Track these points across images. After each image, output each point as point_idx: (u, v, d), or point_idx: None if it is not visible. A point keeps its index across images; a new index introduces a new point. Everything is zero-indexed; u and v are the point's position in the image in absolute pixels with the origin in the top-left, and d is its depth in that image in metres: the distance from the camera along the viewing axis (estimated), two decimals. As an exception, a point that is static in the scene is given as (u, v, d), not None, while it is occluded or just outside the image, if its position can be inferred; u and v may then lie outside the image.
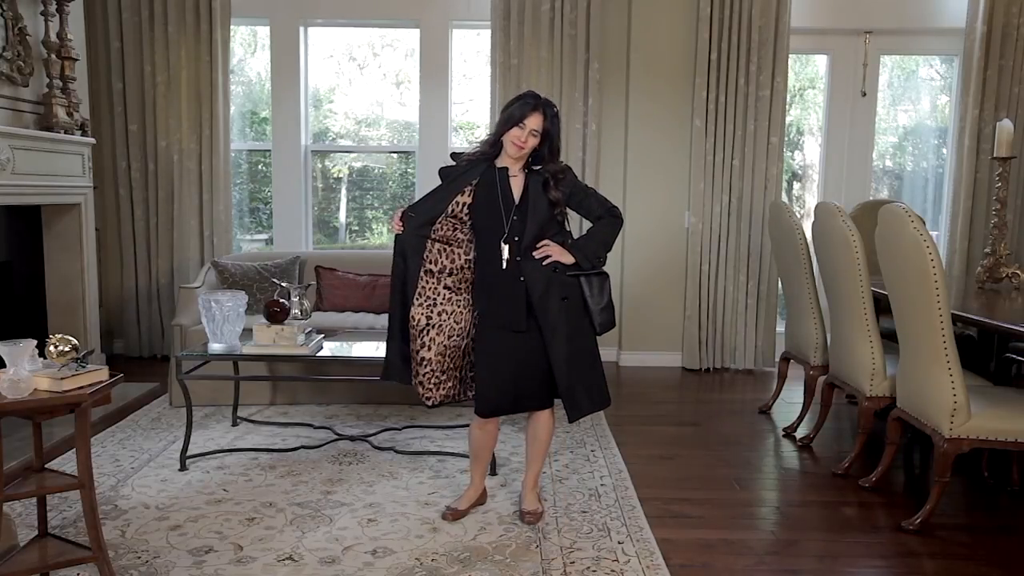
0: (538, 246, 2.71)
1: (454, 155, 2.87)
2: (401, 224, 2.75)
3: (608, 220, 2.82)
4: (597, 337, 2.83)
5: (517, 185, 2.74)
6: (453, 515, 2.90)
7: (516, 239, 2.70)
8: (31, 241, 4.44)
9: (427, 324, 2.75)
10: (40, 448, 2.31)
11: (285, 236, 5.74)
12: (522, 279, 2.70)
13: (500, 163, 2.75)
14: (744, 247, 5.43)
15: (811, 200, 6.03)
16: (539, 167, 2.73)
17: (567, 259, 2.72)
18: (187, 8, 5.22)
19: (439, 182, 2.83)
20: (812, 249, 3.98)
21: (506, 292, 2.72)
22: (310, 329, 3.61)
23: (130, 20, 5.26)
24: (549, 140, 2.68)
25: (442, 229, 2.76)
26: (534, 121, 2.64)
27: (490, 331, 2.78)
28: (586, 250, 2.76)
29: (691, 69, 5.33)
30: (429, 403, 2.81)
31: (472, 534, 2.78)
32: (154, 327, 5.52)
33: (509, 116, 2.67)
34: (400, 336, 2.80)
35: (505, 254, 2.70)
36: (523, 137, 2.65)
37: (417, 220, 2.73)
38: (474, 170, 2.75)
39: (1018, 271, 3.92)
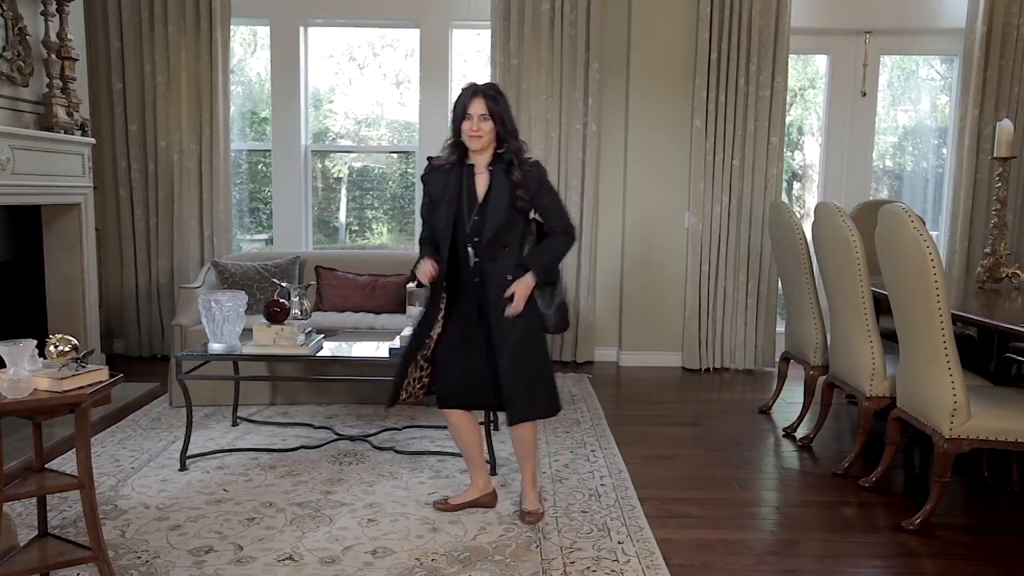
0: (506, 295, 2.71)
1: (431, 159, 2.87)
2: (433, 270, 2.77)
3: (562, 239, 2.82)
4: (551, 335, 2.88)
5: (483, 183, 2.75)
6: (443, 505, 2.93)
7: (476, 240, 2.73)
8: (31, 241, 4.44)
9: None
10: (40, 448, 2.31)
11: (285, 236, 5.74)
12: (478, 280, 2.75)
13: (470, 161, 2.77)
14: (744, 247, 5.43)
15: (811, 200, 6.03)
16: (502, 150, 2.74)
17: (527, 290, 2.73)
18: (187, 8, 5.22)
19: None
20: (812, 249, 3.98)
21: (465, 291, 2.79)
22: (310, 329, 3.61)
23: (130, 20, 5.25)
24: (501, 119, 2.69)
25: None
26: (477, 107, 2.67)
27: (449, 324, 2.83)
28: (543, 267, 2.76)
29: (691, 69, 5.33)
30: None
31: (472, 534, 2.78)
32: (154, 327, 5.52)
33: (456, 115, 2.72)
34: (405, 362, 2.89)
35: (471, 254, 2.75)
36: (474, 126, 2.67)
37: (436, 251, 2.80)
38: (453, 173, 2.78)
39: (1018, 271, 3.92)
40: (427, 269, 2.77)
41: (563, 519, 2.92)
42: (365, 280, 4.79)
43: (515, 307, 2.71)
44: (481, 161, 2.75)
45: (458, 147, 2.76)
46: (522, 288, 2.72)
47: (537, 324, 2.80)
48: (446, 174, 2.77)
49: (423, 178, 2.86)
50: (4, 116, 3.93)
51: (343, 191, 6.11)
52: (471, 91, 2.69)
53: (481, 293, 2.75)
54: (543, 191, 2.78)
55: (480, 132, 2.67)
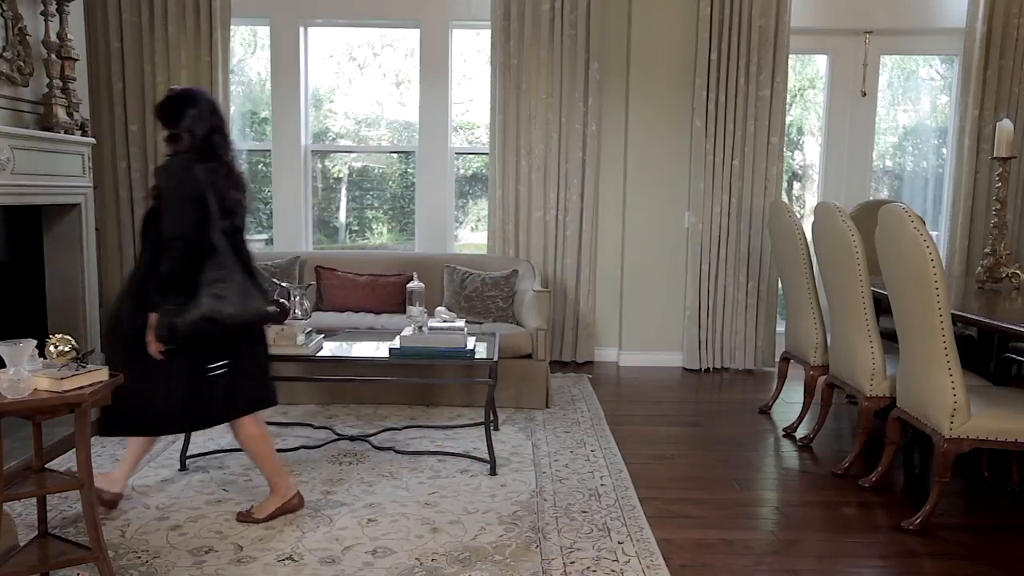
0: None
1: None
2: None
3: (165, 257, 2.56)
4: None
5: None
6: (245, 517, 2.86)
7: None
8: (31, 241, 4.44)
9: None
10: (40, 448, 2.31)
11: (285, 236, 5.74)
12: None
13: None
14: (744, 247, 5.43)
15: (811, 200, 6.03)
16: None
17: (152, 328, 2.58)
18: (187, 8, 5.22)
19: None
20: (812, 249, 3.98)
21: None
22: (310, 329, 3.61)
23: (130, 20, 5.25)
24: (162, 119, 2.77)
25: None
26: None
27: None
28: (152, 302, 2.59)
29: (691, 69, 5.34)
30: None
31: (472, 534, 2.78)
32: (154, 327, 5.51)
33: None
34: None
35: None
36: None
37: None
38: None
39: (1018, 271, 3.92)
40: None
41: (563, 519, 2.92)
42: (365, 280, 4.80)
43: (152, 349, 2.59)
44: None
45: None
46: (149, 334, 2.58)
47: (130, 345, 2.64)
48: None
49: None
50: (4, 116, 3.93)
51: (343, 191, 6.11)
52: None
53: None
54: (168, 191, 2.62)
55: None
